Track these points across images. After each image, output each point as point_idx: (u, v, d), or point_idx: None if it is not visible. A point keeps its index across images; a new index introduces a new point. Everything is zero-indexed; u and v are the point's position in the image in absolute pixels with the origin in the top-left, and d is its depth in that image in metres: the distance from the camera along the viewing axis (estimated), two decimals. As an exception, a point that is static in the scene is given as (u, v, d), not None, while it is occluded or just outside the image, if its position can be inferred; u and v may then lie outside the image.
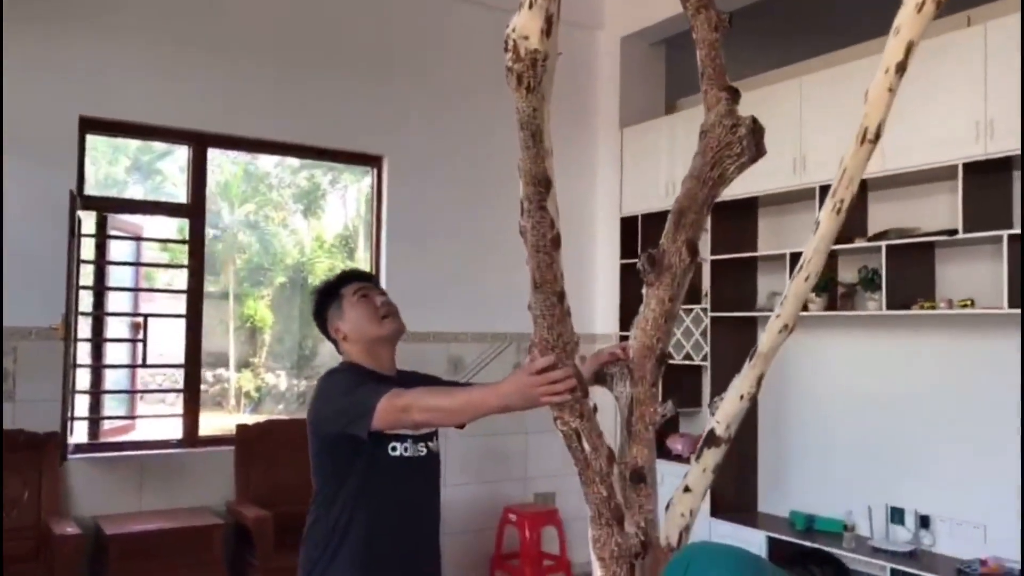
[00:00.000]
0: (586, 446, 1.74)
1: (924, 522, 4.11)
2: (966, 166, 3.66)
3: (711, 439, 1.79)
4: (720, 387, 4.72)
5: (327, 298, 2.30)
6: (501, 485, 5.30)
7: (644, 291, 2.08)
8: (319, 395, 2.19)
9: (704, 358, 4.91)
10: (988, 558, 3.79)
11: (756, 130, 2.04)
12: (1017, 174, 3.77)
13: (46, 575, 3.55)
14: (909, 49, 1.42)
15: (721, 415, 1.78)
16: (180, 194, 8.65)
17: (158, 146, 8.93)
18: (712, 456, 1.79)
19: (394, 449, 2.14)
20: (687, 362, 5.01)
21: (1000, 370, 3.86)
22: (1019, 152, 3.50)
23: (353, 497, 2.11)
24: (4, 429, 3.83)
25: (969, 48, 3.68)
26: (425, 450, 2.22)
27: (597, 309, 5.64)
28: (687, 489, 1.81)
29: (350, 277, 2.35)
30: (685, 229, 2.06)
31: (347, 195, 12.21)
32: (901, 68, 1.44)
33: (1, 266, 3.88)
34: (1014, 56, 3.52)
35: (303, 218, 12.74)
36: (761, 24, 5.63)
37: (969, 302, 3.76)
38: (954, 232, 3.72)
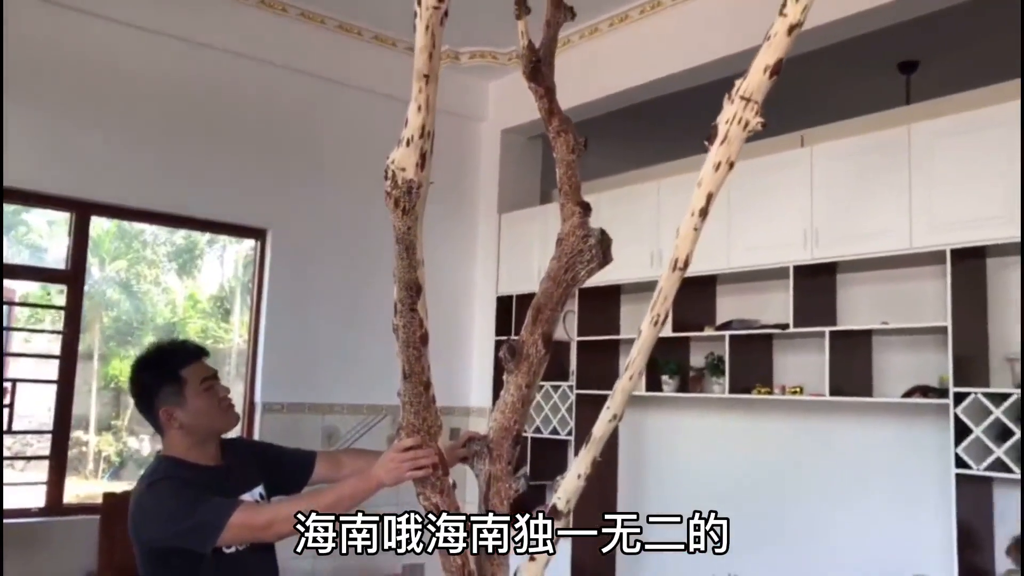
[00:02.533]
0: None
1: (761, 591, 4.47)
2: (796, 268, 4.15)
3: (554, 512, 2.05)
4: (583, 461, 5.04)
5: (161, 379, 2.17)
6: (370, 558, 5.37)
7: (505, 377, 2.34)
8: (146, 514, 2.06)
9: (569, 432, 5.21)
10: (815, 623, 4.17)
11: (604, 240, 2.37)
12: (839, 277, 4.30)
13: None
14: (709, 198, 1.76)
15: (562, 491, 2.05)
16: (46, 245, 8.42)
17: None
18: (553, 528, 2.04)
19: (228, 548, 2.11)
20: (554, 436, 5.30)
21: (824, 451, 4.33)
22: (837, 259, 4.03)
23: None
24: None
25: (799, 166, 4.20)
26: None
27: (473, 382, 5.88)
28: (532, 559, 2.05)
29: (187, 355, 2.23)
30: (541, 324, 2.34)
31: (225, 255, 12.09)
32: (704, 212, 1.78)
33: None
34: (836, 174, 4.06)
35: (177, 277, 12.50)
36: (627, 127, 6.17)
37: (798, 389, 4.21)
38: (786, 326, 4.19)
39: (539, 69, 2.53)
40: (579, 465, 2.05)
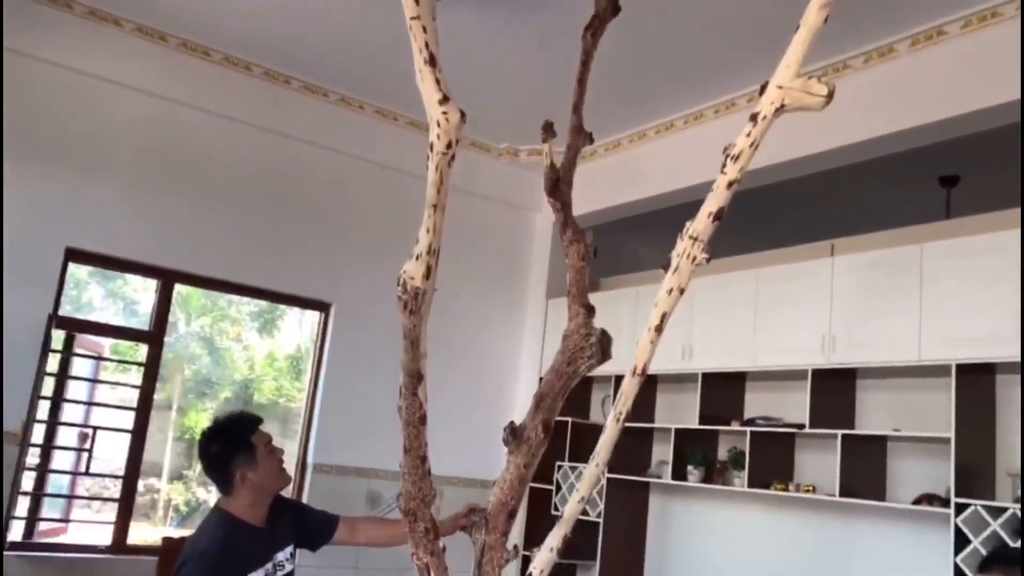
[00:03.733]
0: (433, 576, 2.28)
1: None
2: (814, 371, 4.37)
3: (529, 579, 2.33)
4: (613, 541, 5.27)
5: (235, 446, 2.52)
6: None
7: (506, 457, 2.64)
8: (196, 566, 2.41)
9: (599, 515, 5.43)
10: None
11: (604, 339, 2.67)
12: (859, 382, 4.49)
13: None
14: (663, 317, 2.07)
15: (536, 562, 2.33)
16: (139, 302, 9.06)
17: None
18: (531, 593, 2.32)
19: None
20: (584, 517, 5.52)
21: (837, 548, 4.46)
22: (857, 365, 4.24)
23: None
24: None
25: (820, 276, 4.46)
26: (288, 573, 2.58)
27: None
28: (509, 619, 2.33)
29: (253, 423, 2.58)
30: (543, 411, 2.65)
31: (303, 318, 12.72)
32: (659, 329, 2.09)
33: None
34: (856, 285, 4.30)
35: (258, 335, 13.15)
36: (666, 228, 6.48)
37: (811, 488, 4.38)
38: (803, 426, 4.39)
39: (558, 186, 2.92)
40: (551, 540, 2.33)
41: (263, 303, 12.92)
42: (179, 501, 12.03)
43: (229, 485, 2.53)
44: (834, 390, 4.41)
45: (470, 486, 5.91)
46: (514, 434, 2.68)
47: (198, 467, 12.34)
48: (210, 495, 12.54)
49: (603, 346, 2.71)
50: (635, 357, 2.17)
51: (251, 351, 12.87)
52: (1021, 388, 3.64)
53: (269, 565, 2.53)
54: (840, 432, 4.19)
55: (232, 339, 12.78)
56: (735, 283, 4.92)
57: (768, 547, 4.79)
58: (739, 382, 5.05)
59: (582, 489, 2.30)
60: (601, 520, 5.40)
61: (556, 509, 5.72)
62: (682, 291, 2.07)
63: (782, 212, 5.87)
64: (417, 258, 2.10)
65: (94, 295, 10.94)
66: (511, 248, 6.40)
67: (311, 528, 2.74)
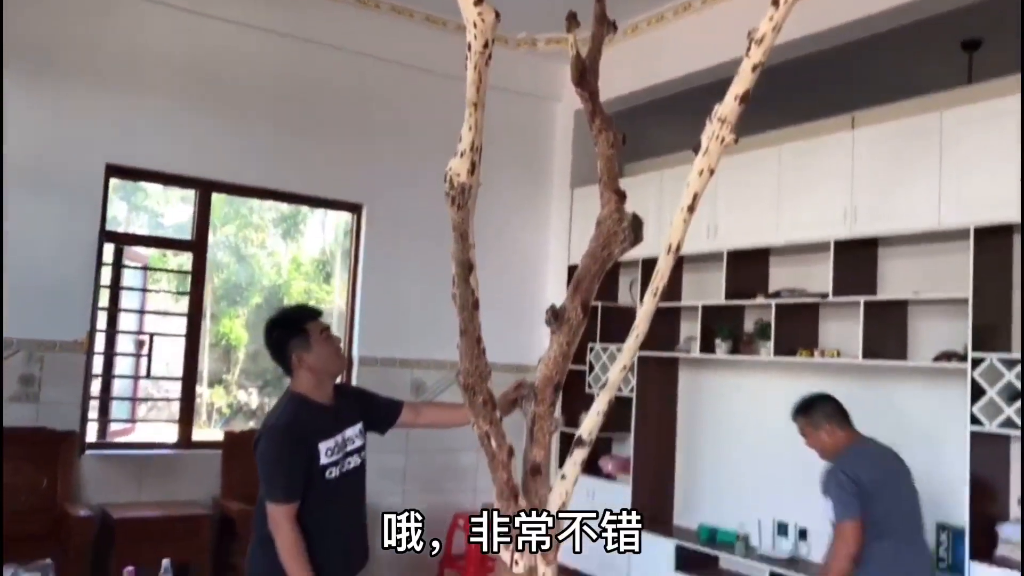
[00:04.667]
0: (493, 444, 2.51)
1: (803, 534, 4.91)
2: (836, 243, 4.51)
3: (579, 442, 2.56)
4: (645, 414, 5.55)
5: (291, 332, 2.70)
6: (453, 495, 6.04)
7: (549, 337, 2.84)
8: (260, 452, 2.62)
9: (632, 390, 5.70)
10: (847, 565, 4.59)
11: (636, 223, 2.81)
12: (880, 251, 4.63)
13: (60, 550, 4.21)
14: (695, 198, 2.21)
15: (585, 426, 2.56)
16: (162, 214, 9.23)
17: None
18: (580, 453, 2.54)
19: (330, 473, 2.67)
20: (617, 394, 5.77)
21: (858, 410, 4.69)
22: (878, 235, 4.37)
23: (299, 511, 2.60)
24: (29, 427, 4.54)
25: (840, 149, 4.54)
26: (358, 460, 2.79)
27: (544, 343, 6.41)
28: (563, 476, 2.57)
29: (309, 312, 2.79)
30: (580, 293, 2.81)
31: (326, 221, 12.91)
32: (691, 208, 2.23)
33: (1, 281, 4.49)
34: (876, 156, 4.39)
35: (282, 241, 13.40)
36: (693, 108, 6.51)
37: (836, 353, 4.59)
38: (826, 295, 4.57)
39: (585, 76, 3.01)
40: (598, 404, 2.55)
41: (285, 209, 13.12)
42: (221, 404, 12.56)
43: (289, 367, 2.73)
44: (856, 260, 4.56)
45: (507, 371, 6.17)
46: (556, 316, 2.88)
47: (236, 371, 12.83)
48: (250, 397, 13.07)
49: (635, 229, 2.87)
50: (668, 236, 2.33)
51: (276, 257, 13.14)
52: (1021, 245, 3.78)
53: (339, 437, 2.75)
54: (862, 299, 4.36)
55: (257, 246, 13.04)
56: (757, 161, 5.02)
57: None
58: (763, 257, 5.20)
59: (623, 359, 2.50)
60: (634, 395, 5.67)
61: (589, 388, 6.00)
62: (712, 172, 2.21)
63: (802, 88, 5.87)
64: (462, 155, 2.25)
65: (118, 211, 11.14)
66: (534, 139, 6.49)
67: (378, 412, 2.97)
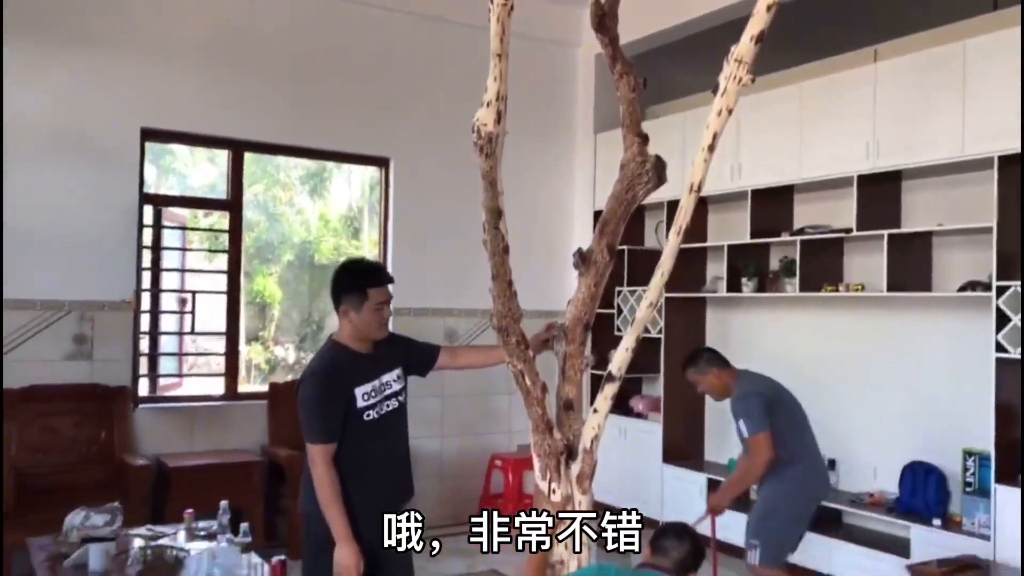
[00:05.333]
0: (527, 381, 2.66)
1: (832, 464, 5.02)
2: (859, 178, 4.56)
3: (609, 377, 2.69)
4: (673, 354, 5.68)
5: (351, 289, 2.81)
6: (489, 437, 6.24)
7: (576, 279, 2.95)
8: (300, 396, 2.77)
9: (660, 331, 5.82)
10: (875, 491, 4.72)
11: (659, 165, 2.91)
12: (904, 184, 4.67)
13: (122, 497, 4.45)
14: (714, 137, 2.30)
15: (615, 362, 2.69)
16: (188, 175, 9.37)
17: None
18: (610, 388, 2.69)
19: (368, 416, 2.81)
20: (645, 335, 5.91)
21: (882, 342, 4.79)
22: (902, 167, 4.41)
23: (340, 450, 2.76)
24: (85, 383, 4.77)
25: (863, 83, 4.56)
26: (396, 403, 2.93)
27: (571, 288, 6.52)
28: (595, 410, 2.71)
29: (379, 279, 2.86)
30: (606, 236, 2.93)
31: (352, 178, 13.03)
32: (711, 148, 2.33)
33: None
34: (899, 89, 4.41)
35: (309, 198, 13.55)
36: (712, 49, 6.49)
37: (860, 287, 4.66)
38: (850, 230, 4.62)
39: (604, 22, 3.07)
40: (627, 341, 2.69)
41: (311, 166, 13.21)
42: (260, 360, 12.85)
43: (337, 312, 2.87)
44: (879, 194, 4.60)
45: (536, 317, 6.29)
46: (583, 258, 3.00)
47: (272, 328, 13.09)
48: (287, 352, 13.35)
49: (658, 171, 2.96)
50: (690, 175, 2.42)
51: (304, 214, 13.30)
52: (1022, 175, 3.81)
53: (376, 382, 2.90)
54: (886, 232, 4.42)
55: (286, 204, 13.20)
56: (779, 99, 5.04)
57: (821, 345, 5.14)
58: (787, 195, 5.25)
59: (649, 296, 2.62)
60: (662, 336, 5.79)
61: (618, 330, 6.12)
62: (730, 111, 2.29)
63: (824, 23, 5.84)
64: (488, 105, 2.35)
65: (149, 174, 11.33)
66: (556, 86, 6.53)
67: (416, 356, 3.12)
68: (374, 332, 2.89)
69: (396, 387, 2.96)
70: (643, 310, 2.61)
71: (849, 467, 4.94)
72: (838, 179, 4.75)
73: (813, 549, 4.72)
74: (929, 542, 4.20)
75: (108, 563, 3.06)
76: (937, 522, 4.26)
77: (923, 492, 4.42)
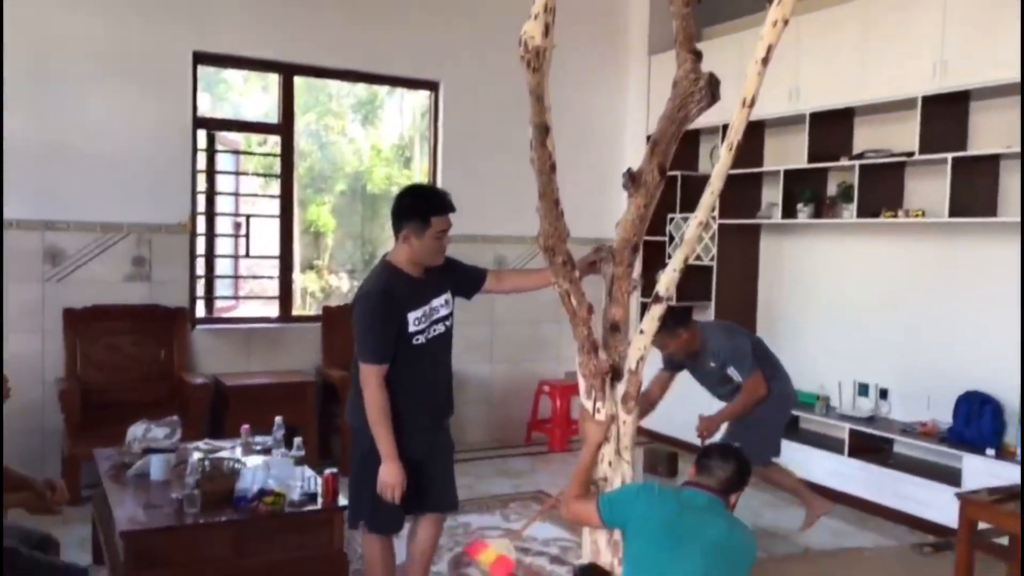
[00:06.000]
0: (573, 301, 2.65)
1: (883, 394, 4.98)
2: (924, 98, 4.38)
3: (656, 298, 2.67)
4: (726, 282, 5.62)
5: (414, 215, 2.83)
6: (538, 364, 6.29)
7: (626, 200, 2.91)
8: (356, 316, 2.82)
9: (712, 259, 5.74)
10: (928, 421, 4.66)
11: (713, 83, 2.83)
12: (972, 105, 4.48)
13: (182, 413, 4.58)
14: (769, 49, 2.22)
15: (662, 282, 2.66)
16: (248, 110, 9.44)
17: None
18: (657, 309, 2.67)
19: (417, 340, 2.88)
20: (697, 263, 5.84)
21: (943, 270, 4.67)
22: (971, 87, 4.23)
23: (390, 371, 2.85)
24: (145, 304, 4.91)
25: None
26: (443, 328, 2.98)
27: (623, 209, 6.46)
28: (642, 331, 2.70)
29: (442, 206, 2.89)
30: (657, 156, 2.87)
31: (403, 105, 12.98)
32: (765, 61, 2.25)
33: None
34: (968, 7, 4.19)
35: (361, 127, 13.55)
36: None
37: (920, 213, 4.52)
38: (912, 154, 4.47)
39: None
40: (675, 262, 2.65)
41: (363, 95, 13.20)
42: (314, 289, 13.08)
43: (396, 236, 2.89)
44: (945, 115, 4.43)
45: (583, 244, 6.27)
46: (633, 178, 2.95)
47: (326, 256, 13.29)
48: (340, 281, 13.56)
49: (712, 89, 2.87)
50: (743, 90, 2.35)
51: (356, 144, 13.33)
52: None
53: (426, 308, 2.94)
54: (951, 155, 4.26)
55: (338, 133, 13.23)
56: (842, 17, 4.84)
57: (878, 273, 5.03)
58: (847, 118, 5.08)
59: (699, 214, 2.57)
60: (714, 264, 5.72)
61: (669, 258, 6.04)
62: (786, 22, 2.21)
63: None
64: (535, 17, 2.29)
65: (202, 103, 11.40)
66: (607, 9, 6.36)
67: (464, 279, 3.14)
68: (432, 259, 2.91)
69: (444, 312, 3.00)
70: (692, 229, 2.57)
71: (902, 397, 4.88)
72: (901, 101, 4.57)
73: (861, 477, 4.72)
74: (981, 472, 4.15)
75: (168, 472, 3.19)
76: (991, 452, 4.20)
77: (977, 422, 4.35)
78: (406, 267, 2.91)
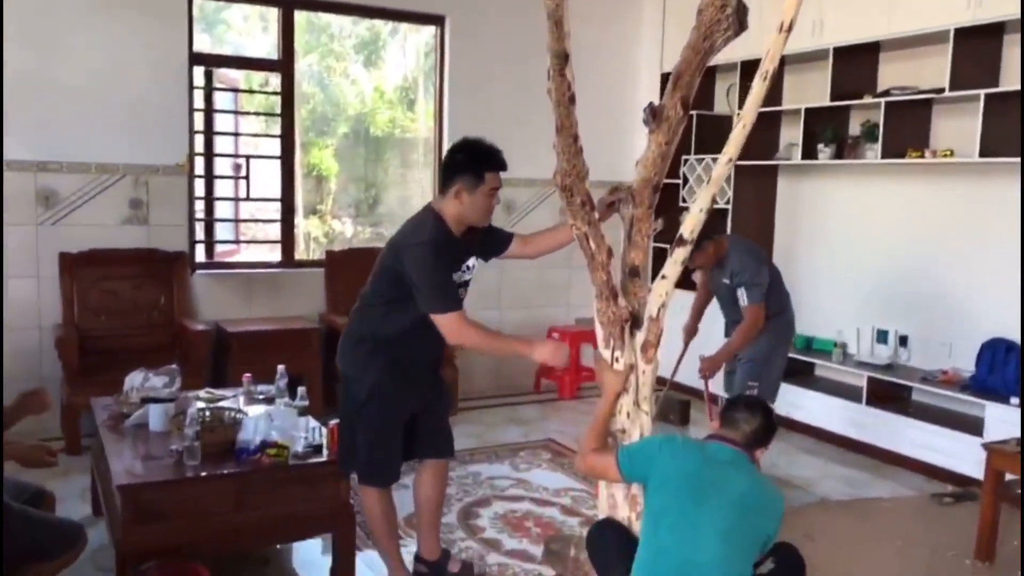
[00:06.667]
0: (592, 244, 2.49)
1: (903, 341, 4.83)
2: (956, 31, 4.15)
3: (679, 241, 2.52)
4: (740, 226, 5.43)
5: (468, 169, 2.73)
6: (548, 310, 6.15)
7: (647, 136, 2.73)
8: (415, 262, 2.64)
9: (727, 202, 5.56)
10: (949, 369, 4.53)
11: (740, 9, 2.63)
12: (1006, 38, 4.24)
13: (182, 360, 4.46)
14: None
15: (687, 224, 2.50)
16: (249, 52, 9.22)
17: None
18: (681, 252, 2.52)
19: None
20: (713, 205, 5.65)
21: (970, 212, 4.49)
22: (1006, 19, 3.99)
23: (407, 312, 2.73)
24: (143, 248, 4.76)
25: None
26: (463, 292, 2.84)
27: (637, 152, 6.25)
28: (664, 277, 2.55)
29: (496, 165, 2.81)
30: (680, 88, 2.69)
31: (407, 45, 12.66)
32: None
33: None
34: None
35: (364, 68, 13.24)
36: None
37: (949, 152, 4.33)
38: (942, 90, 4.25)
39: None
40: (700, 201, 2.49)
41: (365, 34, 12.88)
42: (318, 234, 12.92)
43: (447, 190, 2.77)
44: (977, 49, 4.20)
45: (596, 188, 6.10)
46: (654, 114, 2.76)
47: (330, 201, 13.10)
48: (344, 226, 13.40)
49: (739, 17, 2.66)
50: (782, 13, 2.16)
51: (359, 86, 13.04)
52: None
53: (461, 270, 2.85)
54: (983, 92, 4.05)
55: (340, 75, 12.93)
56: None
57: (900, 217, 4.85)
58: (872, 53, 4.85)
59: (729, 150, 2.40)
60: (730, 206, 5.53)
61: (683, 202, 5.88)
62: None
63: None
64: (552, -67, 2.09)
65: (202, 44, 11.11)
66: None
67: (491, 241, 3.00)
68: (481, 218, 2.82)
69: (468, 276, 2.90)
70: (720, 167, 2.40)
71: (923, 344, 4.74)
72: (931, 34, 4.34)
73: (879, 426, 4.61)
74: (1005, 420, 4.03)
75: (167, 423, 3.07)
76: (1015, 400, 4.07)
77: (1002, 370, 4.22)
78: (452, 224, 2.79)
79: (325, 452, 2.95)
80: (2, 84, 4.18)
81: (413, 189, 7.42)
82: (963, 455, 4.16)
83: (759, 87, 2.29)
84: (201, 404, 3.24)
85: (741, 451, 2.29)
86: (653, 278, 2.62)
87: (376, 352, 2.83)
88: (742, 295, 3.96)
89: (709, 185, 2.44)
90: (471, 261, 2.90)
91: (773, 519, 2.24)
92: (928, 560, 3.43)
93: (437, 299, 2.69)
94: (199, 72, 4.96)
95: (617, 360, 2.56)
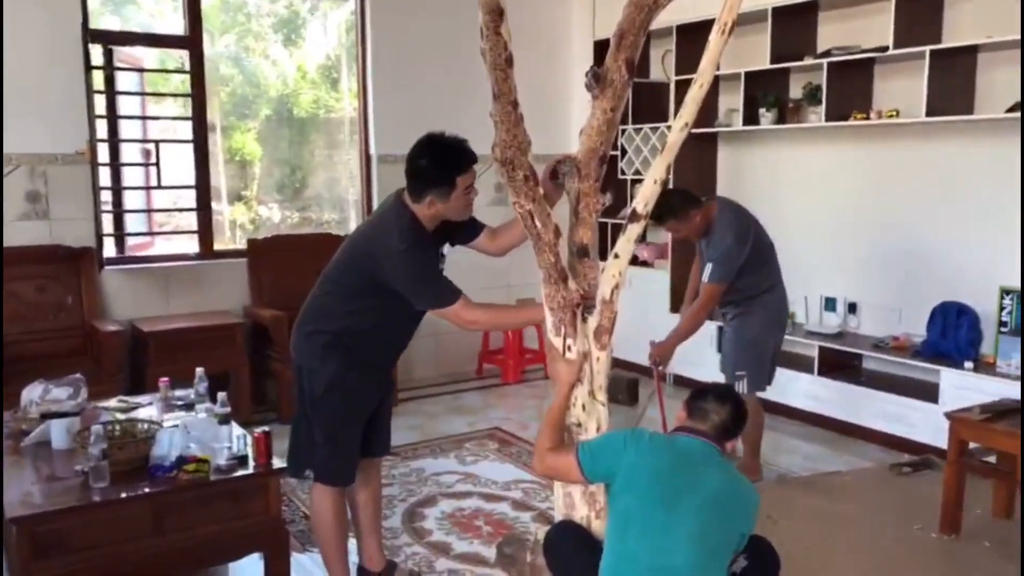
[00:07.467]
0: (538, 224, 2.26)
1: (852, 308, 4.74)
2: (900, -14, 4.02)
3: (633, 215, 2.30)
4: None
5: (438, 181, 2.49)
6: (486, 292, 5.86)
7: (591, 103, 2.51)
8: (404, 268, 2.48)
9: (668, 171, 5.36)
10: (900, 335, 4.44)
11: (687, -39, 2.41)
12: (948, -7, 4.13)
13: (94, 365, 4.13)
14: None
15: (640, 197, 2.29)
16: (155, 22, 8.72)
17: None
18: (634, 229, 2.30)
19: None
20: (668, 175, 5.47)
21: (914, 175, 4.39)
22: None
23: (375, 309, 2.58)
24: (45, 245, 4.36)
25: None
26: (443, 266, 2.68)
27: (572, 129, 6.03)
28: (616, 256, 2.33)
29: (465, 164, 2.54)
30: (624, 49, 2.46)
31: (327, 23, 12.20)
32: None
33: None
34: None
35: (283, 48, 12.74)
36: None
37: (895, 113, 4.21)
38: (885, 48, 4.12)
39: None
40: (654, 172, 2.28)
41: (283, 12, 12.39)
42: (244, 220, 12.44)
43: (418, 199, 2.54)
44: (919, 6, 4.08)
45: (537, 163, 5.87)
46: (597, 78, 2.52)
47: (255, 186, 12.63)
48: (271, 212, 12.94)
49: (685, -31, 2.46)
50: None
51: (280, 66, 12.54)
52: None
53: (440, 255, 2.68)
54: (928, 48, 3.93)
55: (260, 55, 12.42)
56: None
57: (846, 181, 4.74)
58: (811, 12, 4.70)
59: (684, 114, 2.19)
60: (670, 177, 5.34)
61: (622, 173, 5.69)
62: None
63: None
64: None
65: (111, 25, 10.52)
66: None
67: (458, 230, 2.74)
68: (461, 215, 2.63)
69: (444, 262, 2.71)
70: (676, 132, 2.19)
71: (872, 310, 4.65)
72: (872, -9, 4.21)
73: (833, 397, 4.50)
74: (960, 385, 3.95)
75: (71, 440, 2.75)
76: (969, 365, 4.00)
77: (954, 334, 4.14)
78: (427, 223, 2.58)
79: (251, 463, 2.67)
80: (2, 84, 3.87)
81: (340, 171, 7.09)
82: (920, 423, 4.08)
83: (717, 42, 2.07)
84: (111, 416, 2.92)
85: (710, 443, 2.09)
86: (602, 257, 2.40)
87: (335, 344, 2.60)
88: (708, 268, 3.65)
89: (663, 154, 2.24)
90: (444, 248, 2.72)
91: (748, 517, 2.06)
92: (895, 535, 3.32)
93: (436, 295, 2.53)
94: (97, 51, 4.55)
95: (569, 348, 2.34)
